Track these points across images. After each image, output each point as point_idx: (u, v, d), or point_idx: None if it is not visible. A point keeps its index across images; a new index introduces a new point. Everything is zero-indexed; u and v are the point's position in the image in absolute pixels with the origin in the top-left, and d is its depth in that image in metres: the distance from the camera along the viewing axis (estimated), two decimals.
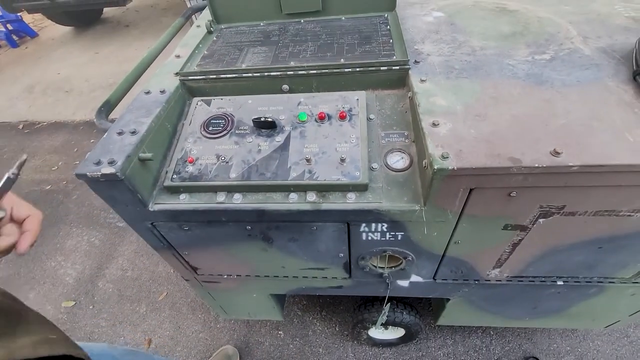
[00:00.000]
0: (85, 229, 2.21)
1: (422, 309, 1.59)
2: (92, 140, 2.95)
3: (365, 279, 1.00)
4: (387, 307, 1.11)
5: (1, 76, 4.13)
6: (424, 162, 0.66)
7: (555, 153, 0.58)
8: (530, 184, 0.61)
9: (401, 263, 0.90)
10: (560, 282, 0.94)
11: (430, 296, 1.10)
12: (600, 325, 1.22)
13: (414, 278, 0.97)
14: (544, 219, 0.70)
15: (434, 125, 0.67)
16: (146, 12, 5.08)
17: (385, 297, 1.05)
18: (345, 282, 1.03)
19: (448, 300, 1.12)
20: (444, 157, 0.60)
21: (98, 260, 2.03)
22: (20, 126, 3.27)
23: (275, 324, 1.65)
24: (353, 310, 1.39)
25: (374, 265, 0.93)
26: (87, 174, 0.66)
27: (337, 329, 1.61)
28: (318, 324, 1.63)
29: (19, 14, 4.40)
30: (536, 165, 0.58)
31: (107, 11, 5.23)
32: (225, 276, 1.06)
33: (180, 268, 1.03)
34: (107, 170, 0.66)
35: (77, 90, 3.63)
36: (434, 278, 0.96)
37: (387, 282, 0.96)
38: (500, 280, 0.95)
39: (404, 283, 1.01)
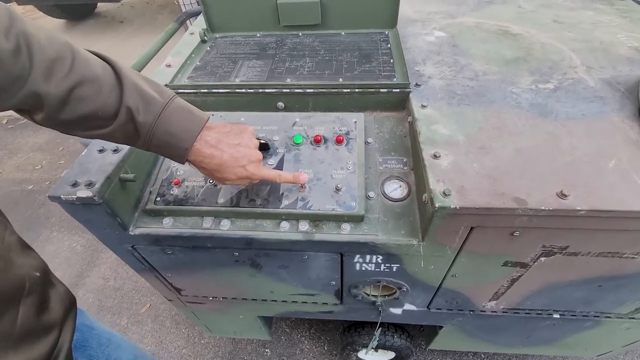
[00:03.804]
0: (67, 234, 2.12)
1: (413, 331, 1.55)
2: (79, 139, 2.85)
3: (357, 306, 0.96)
4: (378, 332, 1.07)
5: None
6: (424, 197, 0.62)
7: (562, 195, 0.55)
8: (534, 225, 0.58)
9: (395, 292, 0.86)
10: (556, 315, 0.91)
11: (422, 323, 1.07)
12: (593, 354, 1.20)
13: (408, 306, 0.94)
14: (545, 258, 0.67)
15: (435, 157, 0.64)
16: (142, 9, 4.98)
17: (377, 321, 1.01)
18: (336, 308, 0.99)
19: (441, 327, 1.09)
20: (445, 195, 0.57)
21: (79, 268, 1.94)
22: (5, 121, 3.15)
23: (262, 342, 1.59)
24: (342, 331, 1.35)
25: (367, 294, 0.90)
26: (61, 196, 0.61)
27: (325, 348, 1.56)
28: (306, 342, 1.59)
29: (8, 4, 4.27)
30: (542, 207, 0.55)
31: (101, 6, 5.11)
32: (211, 298, 1.01)
33: (163, 289, 0.97)
34: (84, 193, 0.61)
35: None
36: (428, 307, 0.93)
37: (379, 309, 0.92)
38: (495, 312, 0.92)
39: (396, 311, 0.97)
